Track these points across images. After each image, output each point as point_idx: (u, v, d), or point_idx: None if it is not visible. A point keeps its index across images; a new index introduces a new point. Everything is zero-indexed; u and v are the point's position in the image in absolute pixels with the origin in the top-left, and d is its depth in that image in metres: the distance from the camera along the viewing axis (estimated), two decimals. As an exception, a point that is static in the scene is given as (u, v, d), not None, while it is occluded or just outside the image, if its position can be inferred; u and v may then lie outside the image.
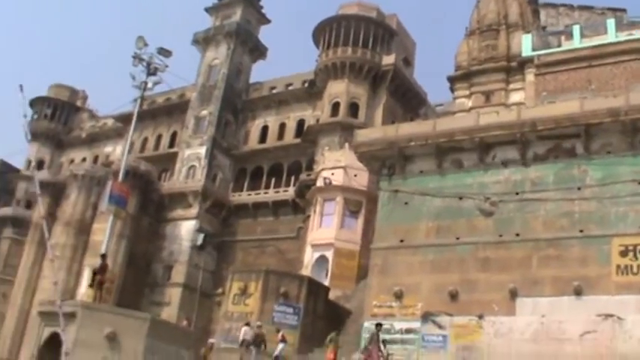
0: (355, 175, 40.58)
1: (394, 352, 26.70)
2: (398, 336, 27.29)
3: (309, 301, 32.26)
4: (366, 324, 28.22)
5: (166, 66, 32.77)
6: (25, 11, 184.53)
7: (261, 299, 31.65)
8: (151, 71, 32.35)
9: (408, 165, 30.01)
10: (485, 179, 28.20)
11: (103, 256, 25.37)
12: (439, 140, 29.03)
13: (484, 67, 40.51)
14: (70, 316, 22.91)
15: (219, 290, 37.77)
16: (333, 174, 41.60)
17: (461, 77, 40.57)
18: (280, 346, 27.99)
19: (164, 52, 32.56)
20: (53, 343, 23.45)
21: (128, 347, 21.40)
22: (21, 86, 17.26)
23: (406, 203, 29.44)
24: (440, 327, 26.71)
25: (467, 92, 40.15)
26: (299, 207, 50.67)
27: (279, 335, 28.29)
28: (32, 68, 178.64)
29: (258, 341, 27.14)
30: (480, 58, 40.95)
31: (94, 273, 25.06)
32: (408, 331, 27.20)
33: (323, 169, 42.95)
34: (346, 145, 43.61)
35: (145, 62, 32.07)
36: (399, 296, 27.84)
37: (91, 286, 25.17)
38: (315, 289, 33.17)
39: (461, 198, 28.15)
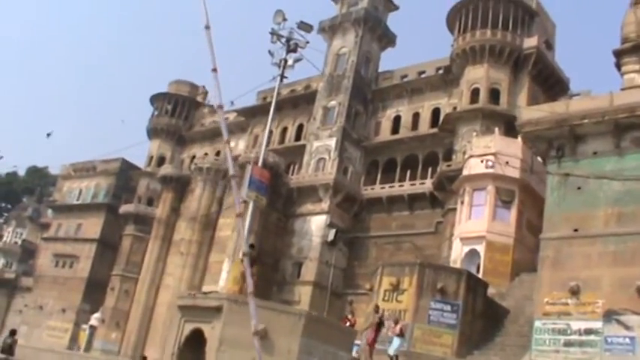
0: (507, 163, 37.39)
1: (572, 355, 23.78)
2: (575, 337, 24.16)
3: (468, 298, 29.19)
4: (538, 323, 25.18)
5: (307, 42, 30.41)
6: (145, 8, 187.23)
7: (416, 295, 28.73)
8: (291, 47, 30.02)
9: (579, 145, 26.71)
10: (674, 159, 24.76)
11: (252, 246, 22.87)
12: (618, 116, 25.58)
13: (659, 38, 36.59)
14: (216, 311, 20.48)
15: (367, 286, 35.01)
16: (482, 161, 38.44)
17: (629, 50, 36.66)
18: (396, 342, 24.64)
19: (304, 27, 30.18)
20: (195, 340, 21.16)
21: (281, 347, 18.59)
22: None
23: (579, 188, 26.13)
24: (626, 327, 23.29)
25: (637, 67, 36.30)
26: (437, 200, 47.63)
27: (397, 328, 24.81)
28: (153, 66, 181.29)
29: None
30: (652, 28, 37.07)
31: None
32: (588, 331, 23.93)
33: (471, 157, 39.81)
34: (496, 130, 40.60)
35: (283, 38, 29.84)
36: (575, 292, 24.60)
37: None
38: (474, 285, 30.07)
39: (645, 181, 24.72)
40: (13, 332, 24.32)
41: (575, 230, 25.61)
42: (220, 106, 14.15)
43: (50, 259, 76.72)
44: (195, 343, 20.99)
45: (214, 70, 14.31)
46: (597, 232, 25.13)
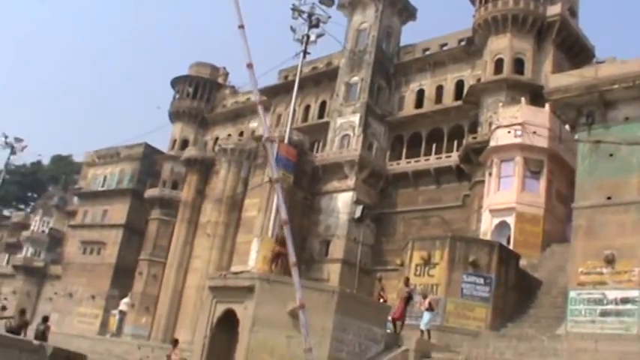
0: (534, 132, 36.86)
1: (609, 325, 23.29)
2: (612, 307, 23.54)
3: (501, 271, 28.82)
4: (572, 293, 24.71)
5: (329, 17, 30.08)
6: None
7: (448, 269, 28.41)
8: (313, 23, 29.66)
9: (610, 112, 25.97)
10: None
11: (286, 226, 22.61)
12: (649, 80, 24.98)
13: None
14: (247, 291, 20.31)
15: (398, 261, 34.73)
16: (509, 132, 37.95)
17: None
18: (426, 317, 24.42)
19: (326, 1, 29.88)
20: (227, 321, 20.96)
21: (315, 325, 18.34)
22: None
23: (611, 155, 25.46)
24: (664, 296, 22.87)
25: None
26: (463, 173, 47.12)
27: (426, 302, 24.65)
28: (173, 49, 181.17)
29: None
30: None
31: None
32: (625, 300, 23.33)
33: (498, 127, 39.32)
34: (522, 100, 40.05)
35: (305, 14, 29.56)
36: (610, 261, 23.97)
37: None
38: (506, 257, 29.70)
39: (679, 146, 24.14)
40: (45, 319, 24.23)
41: (608, 198, 25.01)
42: (250, 65, 13.71)
43: (78, 246, 76.97)
44: (227, 323, 20.82)
45: (241, 27, 13.89)
46: (631, 200, 24.50)
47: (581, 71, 28.28)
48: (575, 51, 49.30)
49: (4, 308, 33.06)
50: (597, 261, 24.26)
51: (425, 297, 25.31)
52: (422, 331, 23.99)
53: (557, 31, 47.51)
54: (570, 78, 27.51)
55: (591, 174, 25.91)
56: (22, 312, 24.89)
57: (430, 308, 24.64)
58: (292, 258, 13.40)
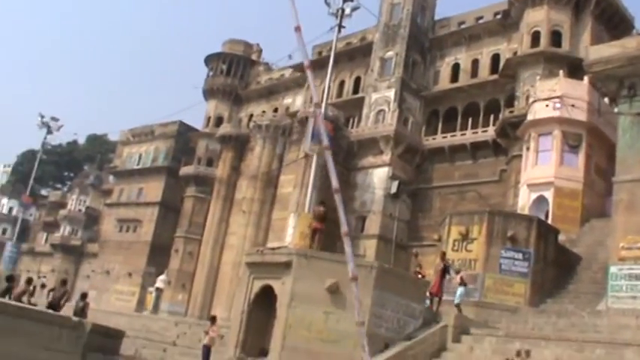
0: (573, 106, 36.31)
1: (650, 301, 22.97)
2: (654, 282, 23.26)
3: (540, 246, 28.46)
4: (613, 269, 24.33)
5: (364, -11, 29.72)
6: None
7: (486, 244, 28.10)
8: (348, -5, 29.43)
9: (653, 83, 25.60)
10: None
11: (323, 203, 22.60)
12: (694, 51, 24.47)
13: None
14: (285, 267, 20.22)
15: (435, 237, 34.51)
16: (547, 105, 37.41)
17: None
18: (459, 291, 24.39)
19: (360, -25, 29.62)
20: (265, 297, 20.90)
21: (354, 300, 18.18)
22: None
23: (654, 128, 25.07)
24: None
25: None
26: (500, 148, 46.60)
27: (458, 277, 24.64)
28: (206, 26, 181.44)
29: None
30: None
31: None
32: (667, 276, 23.08)
33: (536, 101, 38.79)
34: (560, 72, 39.42)
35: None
36: (652, 236, 23.69)
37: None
38: (545, 232, 29.31)
39: None
40: (84, 296, 24.46)
41: (651, 171, 24.66)
42: (298, 28, 13.45)
43: (114, 224, 77.63)
44: (264, 299, 20.77)
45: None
46: (674, 174, 24.19)
47: (623, 42, 27.74)
48: (615, 22, 48.37)
49: (43, 286, 33.33)
50: (639, 236, 23.86)
51: (457, 272, 25.25)
52: (456, 306, 23.90)
53: (596, 2, 46.59)
54: (611, 49, 27.02)
55: (632, 147, 25.49)
56: (64, 282, 25.13)
57: (462, 283, 24.58)
58: (344, 227, 13.12)
